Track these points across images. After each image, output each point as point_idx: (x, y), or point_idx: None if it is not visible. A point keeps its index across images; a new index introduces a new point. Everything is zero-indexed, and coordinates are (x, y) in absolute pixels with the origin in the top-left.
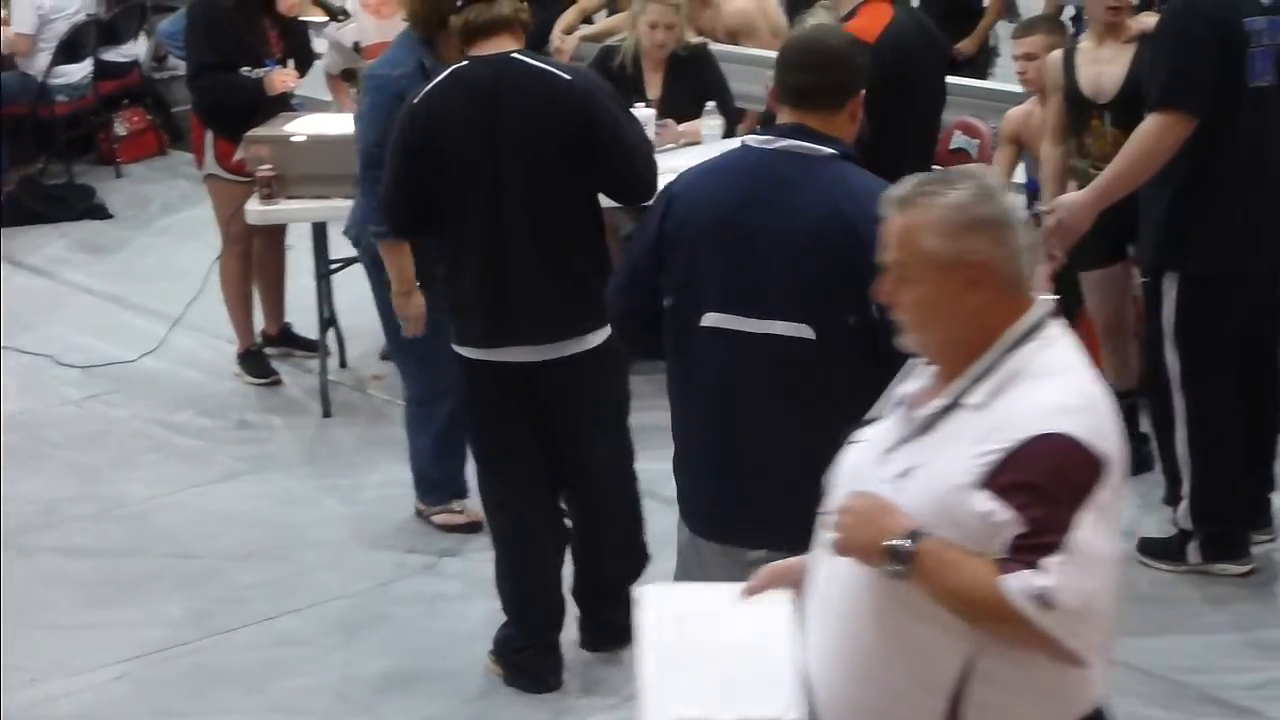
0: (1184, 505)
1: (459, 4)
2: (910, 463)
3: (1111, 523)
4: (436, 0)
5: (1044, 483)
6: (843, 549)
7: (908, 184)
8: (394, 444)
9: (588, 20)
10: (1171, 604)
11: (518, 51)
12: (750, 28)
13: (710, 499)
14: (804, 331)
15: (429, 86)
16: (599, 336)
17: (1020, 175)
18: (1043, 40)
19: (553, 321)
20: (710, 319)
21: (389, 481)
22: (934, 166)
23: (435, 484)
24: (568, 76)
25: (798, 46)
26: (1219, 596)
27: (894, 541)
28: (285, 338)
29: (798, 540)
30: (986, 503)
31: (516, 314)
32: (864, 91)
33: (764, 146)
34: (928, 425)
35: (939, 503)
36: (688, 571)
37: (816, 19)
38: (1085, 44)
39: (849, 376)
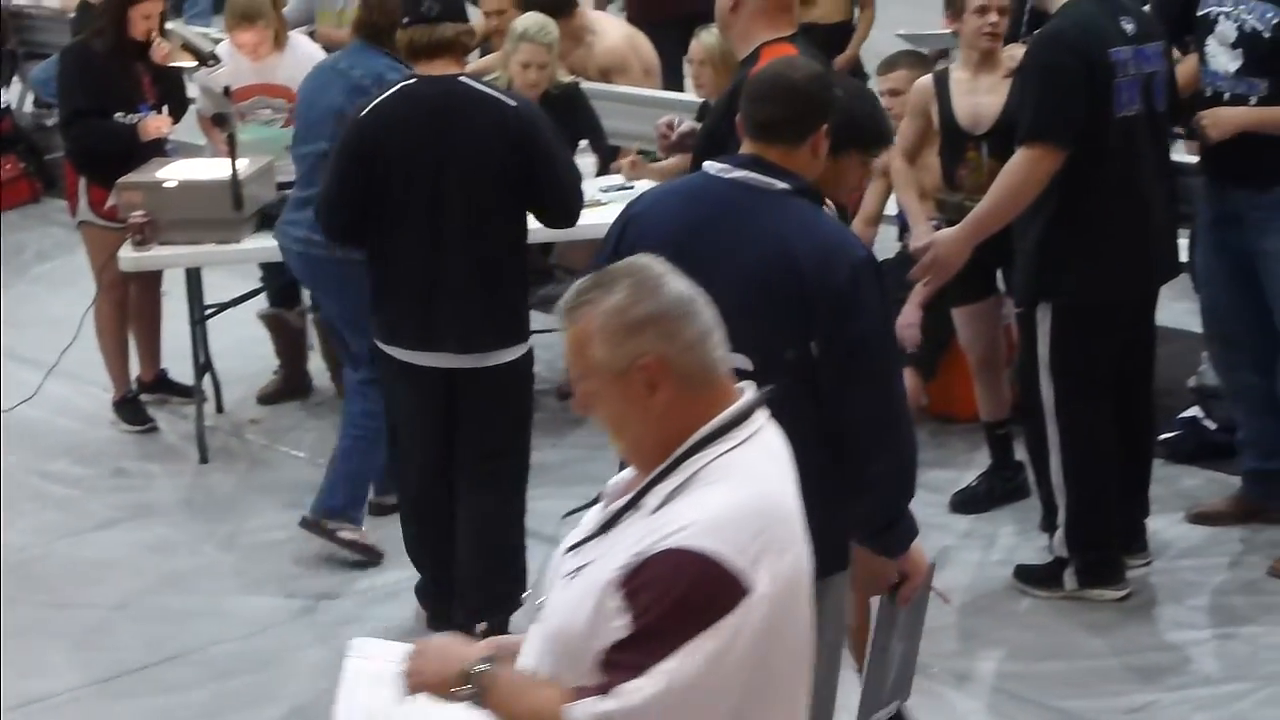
0: (1060, 532)
1: (405, 21)
2: (582, 561)
3: (749, 648)
4: (388, 11)
5: (657, 601)
6: (414, 687)
7: (570, 292)
8: (273, 489)
9: None
10: (1049, 630)
11: (464, 76)
12: (622, 66)
13: None
14: (742, 363)
15: (378, 99)
16: (518, 350)
17: (892, 208)
18: (907, 75)
19: (478, 332)
20: None
21: (267, 526)
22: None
23: (357, 501)
24: (513, 103)
25: (763, 79)
26: (1096, 622)
27: (468, 667)
28: (161, 384)
29: None
30: (613, 611)
31: (445, 322)
32: (827, 127)
33: (720, 175)
34: (608, 524)
35: (585, 608)
36: None
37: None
38: (960, 74)
39: (788, 413)
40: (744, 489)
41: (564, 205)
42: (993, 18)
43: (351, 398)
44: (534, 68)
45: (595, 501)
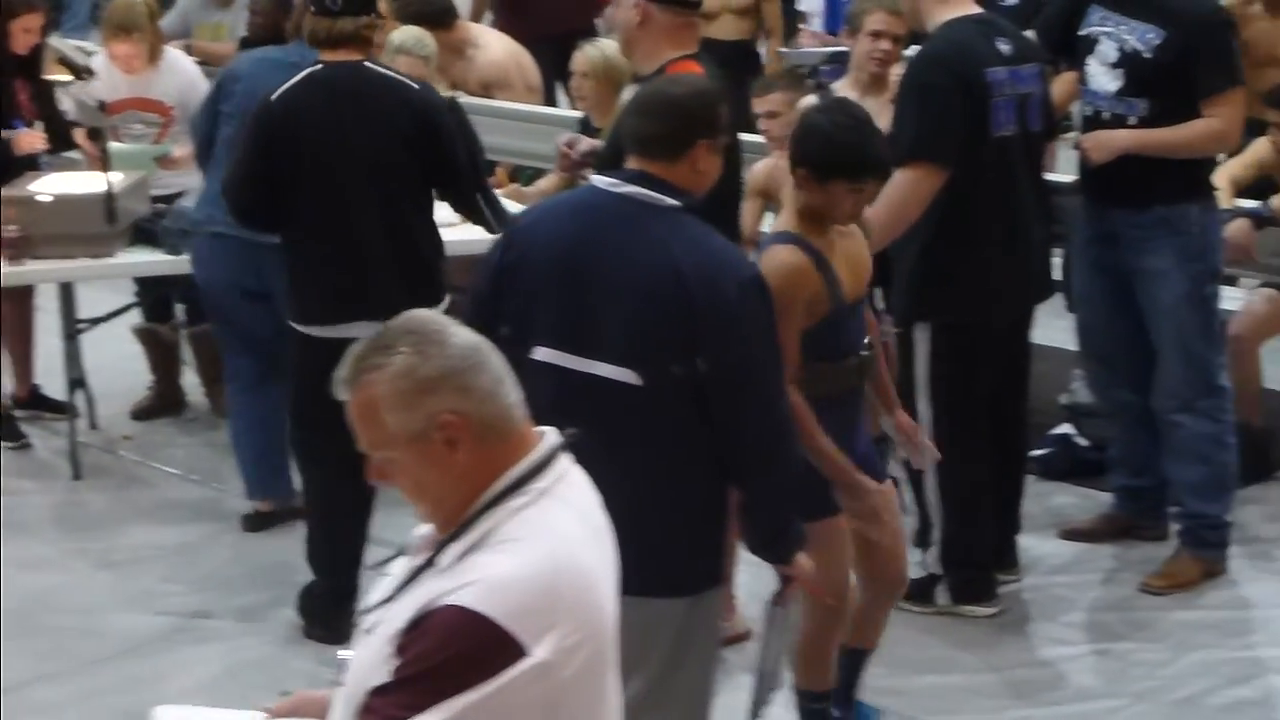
0: (934, 550)
1: (311, 10)
2: (379, 619)
3: (521, 714)
4: (274, 16)
5: (425, 653)
6: None
7: (346, 363)
8: (146, 506)
9: None
10: (923, 646)
11: (368, 61)
12: (504, 80)
13: None
14: (629, 377)
15: (285, 86)
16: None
17: (768, 225)
18: (783, 97)
19: (398, 298)
20: (541, 353)
21: (142, 544)
22: None
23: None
24: (416, 86)
25: (644, 94)
26: (970, 638)
27: None
28: (34, 400)
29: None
30: (387, 660)
31: (365, 292)
32: (709, 141)
33: (609, 189)
34: (407, 582)
35: (375, 666)
36: None
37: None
38: (847, 95)
39: (675, 428)
40: (535, 551)
41: (462, 186)
42: (885, 44)
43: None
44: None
45: (400, 553)
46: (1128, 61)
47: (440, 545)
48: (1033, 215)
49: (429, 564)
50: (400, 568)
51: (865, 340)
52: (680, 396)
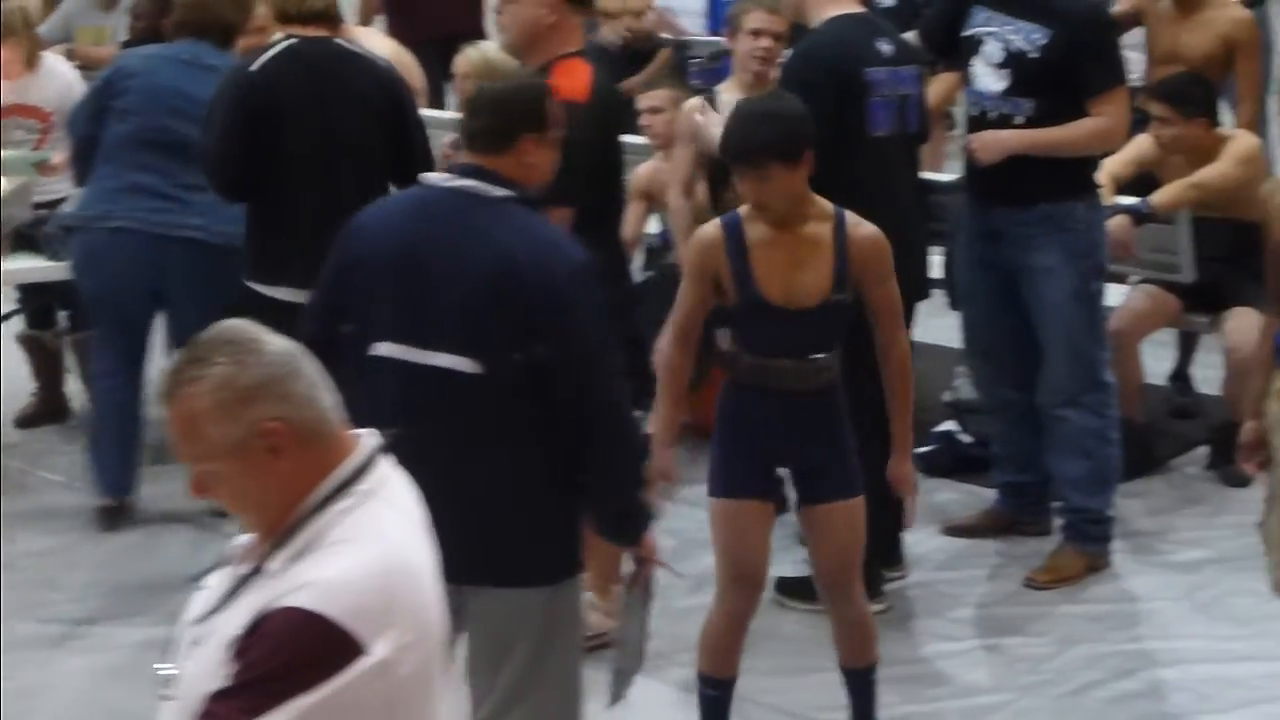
0: None
1: None
2: (206, 631)
3: (359, 713)
4: (156, 19)
5: (264, 657)
6: None
7: (163, 377)
8: (29, 514)
9: None
10: (811, 642)
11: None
12: None
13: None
14: (468, 366)
15: (264, 57)
16: None
17: (654, 226)
18: (669, 94)
19: None
20: (382, 348)
21: (24, 551)
22: None
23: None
24: (383, 62)
25: (474, 91)
26: (914, 642)
27: None
28: None
29: (465, 573)
30: (224, 665)
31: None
32: (536, 135)
33: (441, 184)
34: (232, 592)
35: (210, 676)
36: None
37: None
38: (729, 95)
39: (517, 414)
40: (368, 552)
41: (423, 150)
42: (765, 42)
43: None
44: None
45: (217, 566)
46: (1013, 61)
47: (266, 552)
48: (911, 216)
49: (256, 571)
50: (219, 580)
51: (816, 349)
52: (521, 383)
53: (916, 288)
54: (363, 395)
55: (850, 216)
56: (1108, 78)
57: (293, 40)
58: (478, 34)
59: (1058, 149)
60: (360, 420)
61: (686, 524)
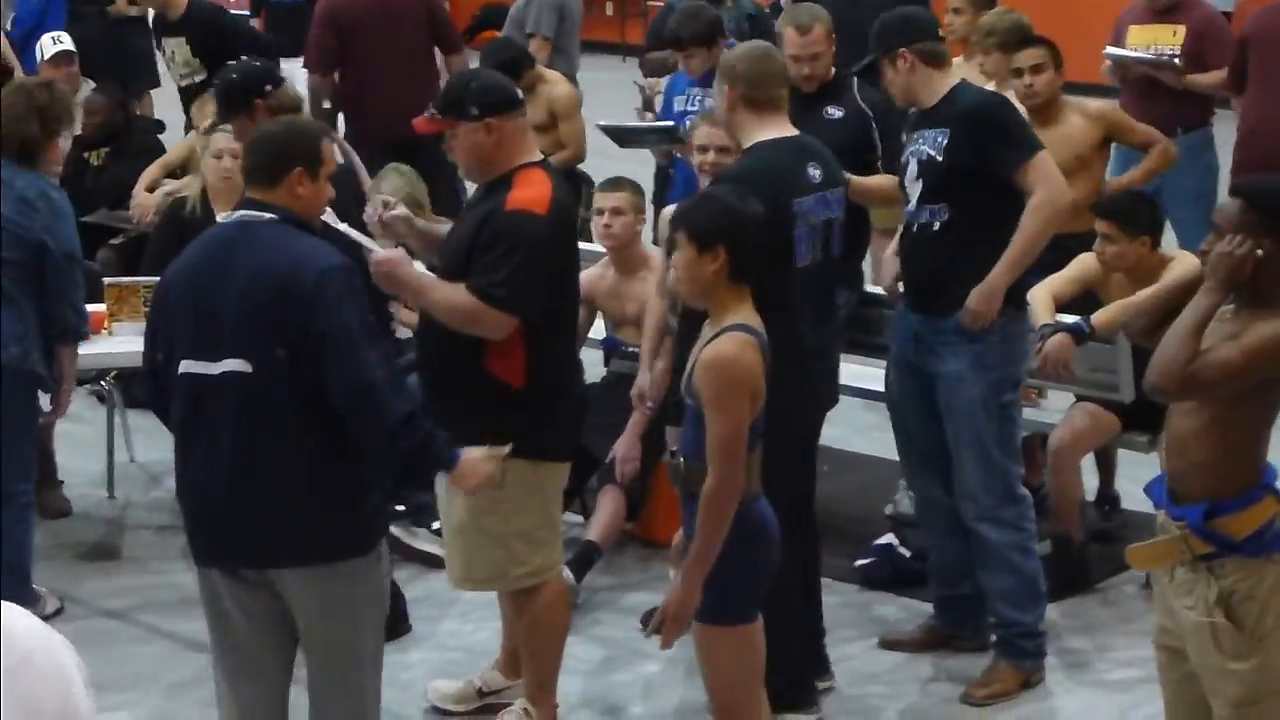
0: None
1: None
2: None
3: None
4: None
5: None
6: None
7: None
8: None
9: (172, 175)
10: None
11: None
12: None
13: (203, 526)
14: (243, 366)
15: None
16: None
17: (600, 332)
18: (629, 198)
19: None
20: (183, 365)
21: None
22: None
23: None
24: None
25: (251, 136)
26: None
27: None
28: None
29: (270, 557)
30: None
31: None
32: (307, 170)
33: (225, 220)
34: None
35: None
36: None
37: None
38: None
39: (288, 404)
40: None
41: None
42: (710, 156)
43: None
44: (227, 155)
45: None
46: (924, 169)
47: None
48: (824, 337)
49: None
50: None
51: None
52: (288, 377)
53: (827, 398)
54: (174, 411)
55: (725, 334)
56: (1019, 151)
57: None
58: (433, 136)
59: (1025, 258)
60: (176, 432)
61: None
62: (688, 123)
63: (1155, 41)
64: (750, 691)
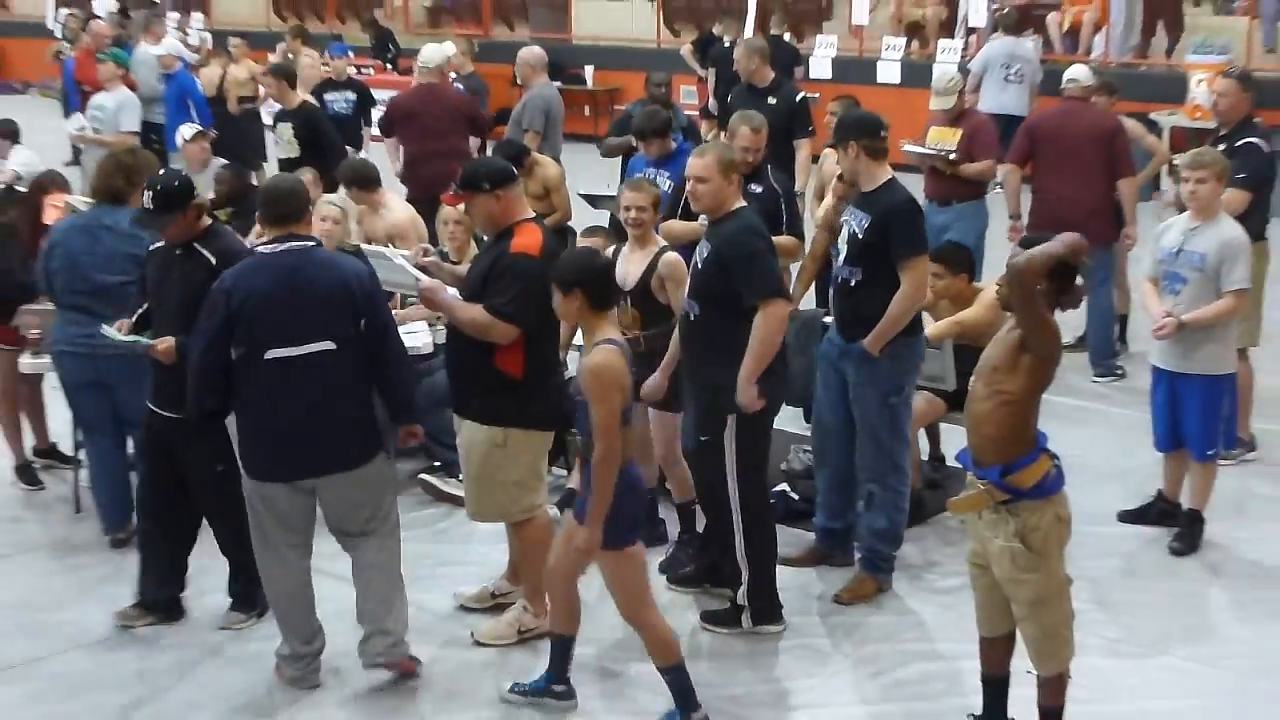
0: (743, 589)
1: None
2: None
3: None
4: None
5: None
6: None
7: None
8: None
9: None
10: (731, 657)
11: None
12: (403, 234)
13: (288, 452)
14: (329, 345)
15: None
16: None
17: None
18: (603, 240)
19: None
20: (272, 353)
21: None
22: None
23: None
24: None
25: (266, 189)
26: (767, 649)
27: None
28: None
29: (323, 466)
30: None
31: None
32: (310, 209)
33: (277, 249)
34: None
35: None
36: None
37: None
38: (625, 248)
39: (354, 369)
40: None
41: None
42: (632, 214)
43: None
44: (329, 221)
45: None
46: (850, 241)
47: None
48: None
49: None
50: None
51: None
52: (362, 349)
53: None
54: (250, 389)
55: (597, 348)
56: (907, 250)
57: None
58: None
59: (895, 325)
60: (249, 405)
61: None
62: None
63: (941, 140)
64: (644, 598)
